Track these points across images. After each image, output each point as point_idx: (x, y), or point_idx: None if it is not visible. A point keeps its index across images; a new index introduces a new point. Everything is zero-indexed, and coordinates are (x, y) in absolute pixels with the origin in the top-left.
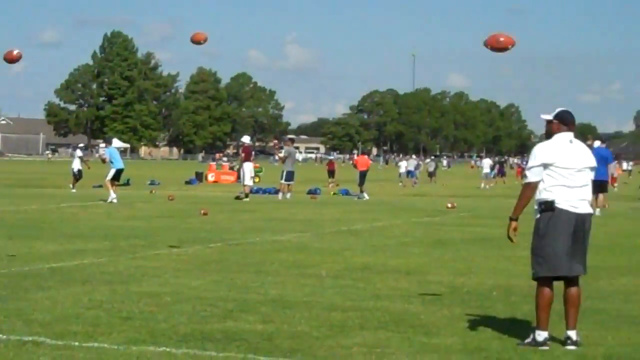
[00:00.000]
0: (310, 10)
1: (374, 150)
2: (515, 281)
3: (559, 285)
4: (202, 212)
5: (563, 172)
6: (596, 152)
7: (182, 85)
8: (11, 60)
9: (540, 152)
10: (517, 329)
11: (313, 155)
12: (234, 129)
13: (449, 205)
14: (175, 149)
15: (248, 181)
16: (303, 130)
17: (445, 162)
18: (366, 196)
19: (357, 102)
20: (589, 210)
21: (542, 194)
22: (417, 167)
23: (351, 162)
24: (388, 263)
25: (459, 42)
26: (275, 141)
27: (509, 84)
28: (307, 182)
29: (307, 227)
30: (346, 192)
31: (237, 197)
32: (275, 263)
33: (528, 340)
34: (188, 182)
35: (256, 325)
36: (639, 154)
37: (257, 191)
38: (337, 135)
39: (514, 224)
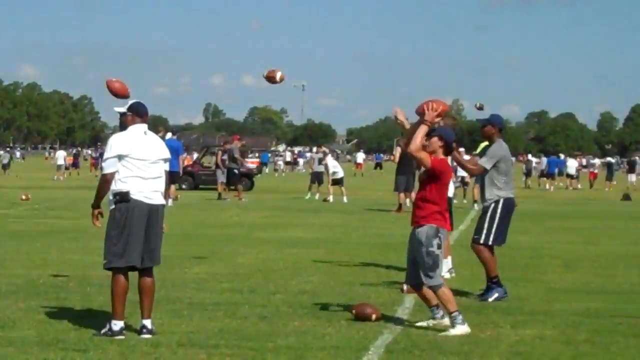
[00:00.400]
0: None
1: None
2: (91, 272)
3: (134, 275)
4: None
5: (138, 164)
6: (168, 143)
7: None
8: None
9: (115, 144)
10: (94, 319)
11: None
12: None
13: (23, 197)
14: None
15: None
16: None
17: (18, 154)
18: None
19: None
20: (162, 201)
21: (117, 185)
22: None
23: None
24: None
25: (28, 32)
26: None
27: (82, 76)
28: None
29: None
30: None
31: None
32: None
33: (104, 330)
34: None
35: None
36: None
37: None
38: None
39: (96, 211)
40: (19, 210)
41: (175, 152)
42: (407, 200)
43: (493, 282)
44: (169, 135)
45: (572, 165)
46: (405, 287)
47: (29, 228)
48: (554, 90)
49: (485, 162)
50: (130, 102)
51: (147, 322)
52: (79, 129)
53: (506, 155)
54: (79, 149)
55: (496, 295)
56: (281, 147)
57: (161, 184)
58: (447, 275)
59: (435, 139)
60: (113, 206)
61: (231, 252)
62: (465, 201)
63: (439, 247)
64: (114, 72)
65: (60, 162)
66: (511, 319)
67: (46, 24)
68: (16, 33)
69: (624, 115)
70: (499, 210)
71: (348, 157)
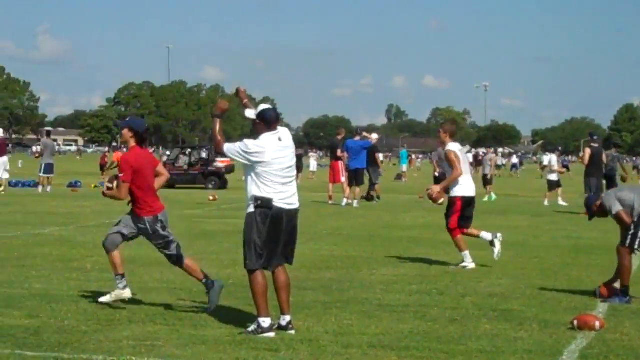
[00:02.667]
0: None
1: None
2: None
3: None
4: None
5: (276, 171)
6: (351, 144)
7: None
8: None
9: (250, 147)
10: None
11: (71, 148)
12: None
13: (211, 197)
14: None
15: (3, 174)
16: (60, 122)
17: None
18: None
19: (114, 95)
20: (298, 205)
21: (259, 190)
22: None
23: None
24: (152, 255)
25: (212, 35)
26: None
27: (264, 77)
28: (68, 175)
29: (69, 221)
30: None
31: None
32: (38, 257)
33: (252, 327)
34: None
35: (22, 320)
36: (391, 147)
37: (16, 184)
38: (95, 128)
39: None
40: (207, 211)
41: (359, 152)
42: None
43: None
44: (357, 138)
45: None
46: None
47: (217, 228)
48: None
49: None
50: (261, 108)
51: (289, 318)
52: None
53: None
54: None
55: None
56: (465, 149)
57: (295, 186)
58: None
59: (126, 130)
60: (252, 210)
61: (419, 253)
62: None
63: None
64: (294, 73)
65: None
66: None
67: (229, 27)
68: (201, 36)
69: None
70: None
71: (534, 158)
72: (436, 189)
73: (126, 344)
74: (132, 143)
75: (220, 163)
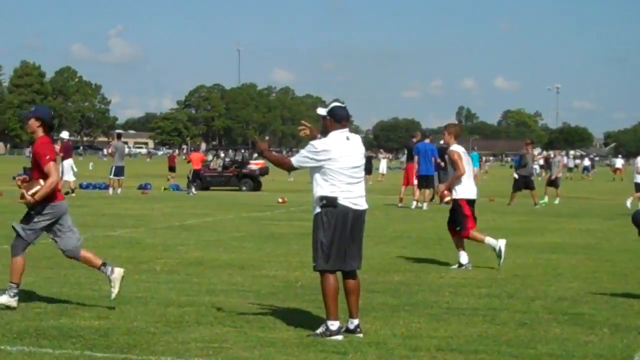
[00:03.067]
0: (134, 3)
1: (203, 146)
2: None
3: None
4: None
5: (343, 170)
6: (422, 147)
7: (5, 78)
8: None
9: (318, 147)
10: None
11: (141, 150)
12: (61, 124)
13: (280, 200)
14: (1, 144)
15: (70, 177)
16: (131, 125)
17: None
18: (194, 191)
19: (184, 97)
20: (366, 206)
21: (324, 189)
22: None
23: (184, 157)
24: (221, 258)
25: (282, 37)
26: None
27: (333, 80)
28: (138, 177)
29: (139, 223)
30: (177, 188)
31: (66, 193)
32: (108, 259)
33: (321, 330)
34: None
35: (92, 321)
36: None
37: (87, 187)
38: (165, 130)
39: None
40: (276, 213)
41: (428, 155)
42: None
43: None
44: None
45: None
46: None
47: (285, 230)
48: None
49: None
50: (332, 104)
51: (357, 322)
52: None
53: None
54: None
55: None
56: (536, 151)
57: (363, 188)
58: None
59: (32, 121)
60: (319, 210)
61: (487, 257)
62: None
63: None
64: (364, 75)
65: None
66: None
67: (298, 29)
68: (271, 38)
69: None
70: None
71: (607, 161)
72: (442, 187)
73: (194, 345)
74: (40, 133)
75: (254, 165)
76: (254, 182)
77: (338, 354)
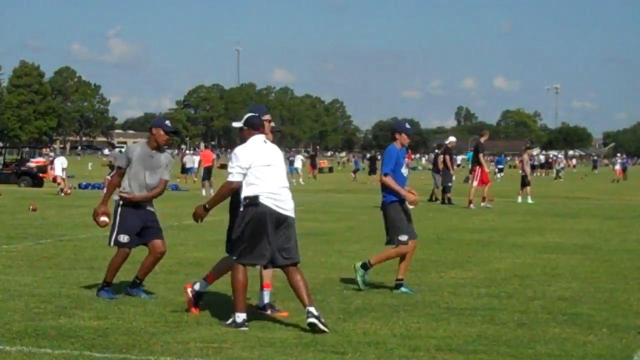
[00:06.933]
0: (133, 3)
1: (201, 146)
2: (347, 274)
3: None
4: (31, 207)
5: (262, 170)
6: None
7: (4, 78)
8: None
9: (239, 155)
10: (351, 322)
11: None
12: (60, 124)
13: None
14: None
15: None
16: (130, 125)
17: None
18: (204, 192)
19: (184, 97)
20: (290, 214)
21: (246, 190)
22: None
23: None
24: (219, 258)
25: (281, 37)
26: None
27: (333, 80)
28: None
29: None
30: (175, 187)
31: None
32: (107, 259)
33: (229, 321)
34: None
35: (91, 321)
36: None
37: (86, 186)
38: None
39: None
40: None
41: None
42: None
43: None
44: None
45: None
46: None
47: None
48: None
49: None
50: (246, 116)
51: (312, 309)
52: (331, 132)
53: None
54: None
55: None
56: (535, 151)
57: (289, 195)
58: None
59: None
60: (242, 209)
61: (487, 257)
62: None
63: None
64: (364, 75)
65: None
66: None
67: (298, 29)
68: (270, 39)
69: None
70: None
71: (605, 161)
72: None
73: (193, 346)
74: None
75: (32, 163)
76: (33, 179)
77: (337, 353)
